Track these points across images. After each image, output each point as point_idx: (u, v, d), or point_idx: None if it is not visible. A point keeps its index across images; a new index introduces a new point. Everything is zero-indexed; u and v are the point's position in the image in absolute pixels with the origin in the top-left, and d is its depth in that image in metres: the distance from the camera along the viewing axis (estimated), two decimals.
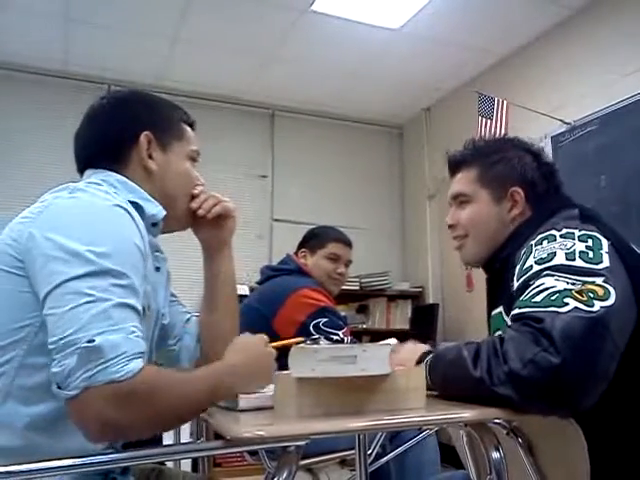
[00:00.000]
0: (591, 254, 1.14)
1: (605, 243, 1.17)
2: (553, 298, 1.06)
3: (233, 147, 5.14)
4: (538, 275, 1.14)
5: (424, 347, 1.28)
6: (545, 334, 1.00)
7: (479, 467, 1.34)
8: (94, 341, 0.90)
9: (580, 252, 1.14)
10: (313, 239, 2.72)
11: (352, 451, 1.91)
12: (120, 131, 1.27)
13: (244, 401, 1.09)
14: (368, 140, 5.73)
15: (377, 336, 4.41)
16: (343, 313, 2.89)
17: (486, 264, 1.50)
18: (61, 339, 0.91)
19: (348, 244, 2.72)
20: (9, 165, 4.42)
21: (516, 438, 1.12)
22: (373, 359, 0.99)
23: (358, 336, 4.49)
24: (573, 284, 1.08)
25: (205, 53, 4.49)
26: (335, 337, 2.30)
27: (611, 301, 1.05)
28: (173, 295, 1.45)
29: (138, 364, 0.92)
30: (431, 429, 2.10)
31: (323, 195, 5.39)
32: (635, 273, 1.15)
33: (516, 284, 1.21)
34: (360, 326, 5.04)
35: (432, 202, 5.31)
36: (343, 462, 2.28)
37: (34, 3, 3.80)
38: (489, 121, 3.79)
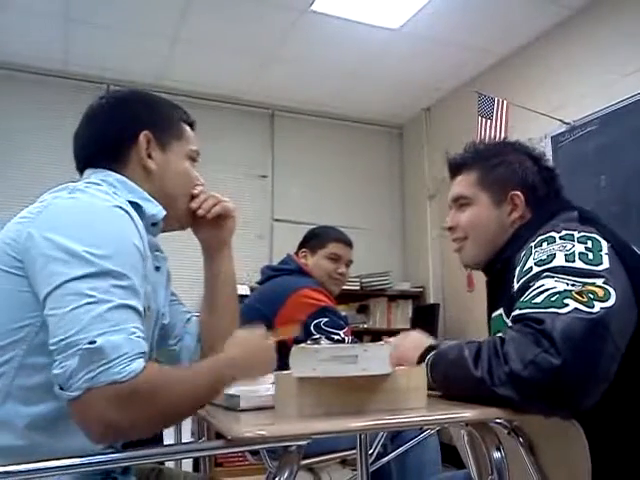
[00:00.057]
0: (591, 255, 1.14)
1: (604, 244, 1.17)
2: (553, 299, 1.06)
3: (233, 147, 5.14)
4: (538, 276, 1.14)
5: (428, 340, 1.27)
6: (546, 335, 1.00)
7: (480, 467, 1.34)
8: (95, 342, 0.90)
9: (580, 253, 1.15)
10: (314, 239, 2.72)
11: (353, 451, 1.91)
12: (119, 131, 1.27)
13: (245, 401, 1.09)
14: (368, 140, 5.73)
15: (378, 336, 4.41)
16: (344, 313, 2.89)
17: (486, 266, 1.50)
18: (62, 340, 0.91)
19: (349, 244, 2.72)
20: (9, 165, 4.42)
21: (517, 438, 1.12)
22: (374, 359, 0.99)
23: (359, 336, 4.49)
24: (573, 285, 1.08)
25: (205, 53, 4.49)
26: (336, 337, 2.30)
27: (611, 302, 1.05)
28: (173, 295, 1.45)
29: (140, 364, 0.92)
30: (432, 429, 2.10)
31: (323, 195, 5.39)
32: (635, 274, 1.15)
33: (516, 286, 1.21)
34: (361, 326, 5.04)
35: (432, 202, 5.31)
36: (344, 462, 2.29)
37: (34, 3, 3.80)
38: (489, 121, 3.79)
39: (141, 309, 1.00)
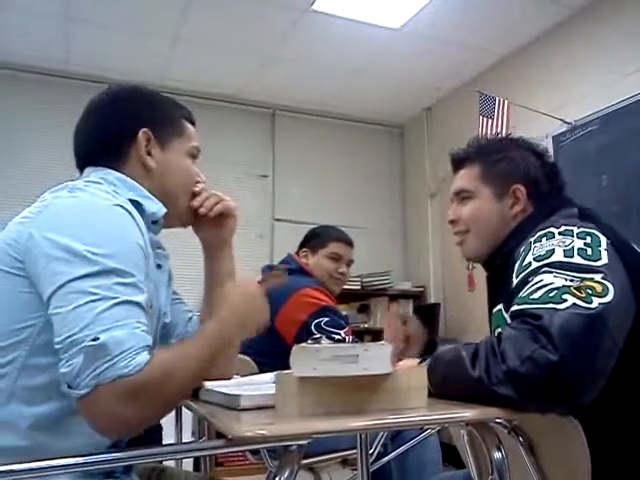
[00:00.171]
0: (589, 251, 1.14)
1: (604, 240, 1.17)
2: (551, 295, 1.06)
3: (234, 147, 5.14)
4: (536, 272, 1.14)
5: (418, 360, 1.27)
6: (543, 331, 1.00)
7: (480, 466, 1.34)
8: (99, 339, 0.90)
9: (578, 249, 1.15)
10: (314, 239, 2.72)
11: (354, 450, 1.91)
12: (119, 128, 1.26)
13: (245, 400, 1.09)
14: (369, 140, 5.73)
15: (379, 336, 4.41)
16: (344, 312, 2.90)
17: (486, 261, 1.51)
18: (67, 338, 0.92)
19: (349, 243, 2.73)
20: (10, 164, 4.42)
21: (517, 437, 1.12)
22: (375, 358, 0.99)
23: (360, 335, 4.49)
24: (571, 281, 1.08)
25: (206, 53, 4.49)
26: (337, 336, 2.30)
27: (609, 298, 1.05)
28: (175, 293, 1.45)
29: (144, 357, 0.93)
30: (433, 428, 2.10)
31: (324, 195, 5.39)
32: (634, 270, 1.16)
33: (515, 281, 1.21)
34: (361, 326, 5.04)
35: (433, 201, 5.31)
36: (345, 461, 2.29)
37: (34, 3, 3.80)
38: (490, 120, 3.79)
39: (145, 305, 1.01)
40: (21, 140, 4.47)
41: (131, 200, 1.16)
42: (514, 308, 1.11)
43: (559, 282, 1.08)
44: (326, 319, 2.35)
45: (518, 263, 1.24)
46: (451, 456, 1.88)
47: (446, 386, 1.14)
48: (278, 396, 1.05)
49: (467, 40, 4.30)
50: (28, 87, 4.59)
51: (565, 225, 1.23)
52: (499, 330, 1.10)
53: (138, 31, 4.18)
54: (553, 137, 3.92)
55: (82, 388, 0.90)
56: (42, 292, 0.98)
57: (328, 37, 4.25)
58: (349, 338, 2.35)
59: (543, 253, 1.17)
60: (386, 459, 2.15)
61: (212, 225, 1.42)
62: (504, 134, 3.51)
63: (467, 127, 3.71)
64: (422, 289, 5.32)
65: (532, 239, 1.25)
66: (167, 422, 1.47)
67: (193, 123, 1.38)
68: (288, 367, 1.00)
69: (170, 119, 1.32)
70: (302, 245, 2.74)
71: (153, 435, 1.67)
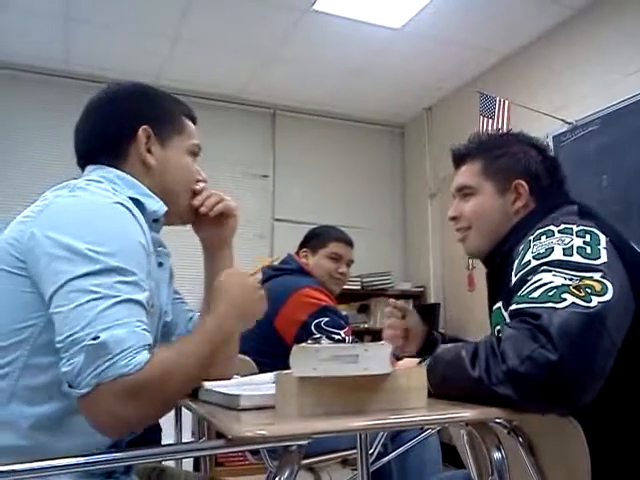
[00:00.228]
0: (589, 249, 1.14)
1: (603, 239, 1.17)
2: (551, 294, 1.06)
3: (234, 147, 5.14)
4: (536, 270, 1.14)
5: (417, 360, 1.27)
6: (542, 330, 1.00)
7: (480, 467, 1.34)
8: (99, 337, 0.90)
9: (578, 247, 1.15)
10: (314, 239, 2.72)
11: (354, 450, 1.91)
12: (118, 126, 1.26)
13: (245, 400, 1.09)
14: (369, 139, 5.73)
15: (379, 336, 4.41)
16: (344, 313, 2.90)
17: (487, 258, 1.51)
18: (68, 337, 0.92)
19: (349, 244, 2.73)
20: (11, 164, 4.42)
21: (517, 437, 1.12)
22: (375, 358, 0.99)
23: (360, 336, 4.49)
24: (571, 280, 1.08)
25: (206, 53, 4.49)
26: (337, 336, 2.30)
27: (608, 296, 1.05)
28: (177, 293, 1.45)
29: (145, 356, 0.93)
30: (433, 429, 2.10)
31: (324, 195, 5.39)
32: (633, 269, 1.15)
33: (514, 279, 1.21)
34: (361, 326, 5.05)
35: (433, 201, 5.31)
36: (345, 462, 2.28)
37: (34, 3, 3.80)
38: (491, 121, 3.80)
39: (146, 303, 1.01)
40: (21, 140, 4.48)
41: (132, 198, 1.16)
42: (513, 307, 1.11)
43: (558, 281, 1.08)
44: (326, 319, 2.35)
45: (517, 261, 1.24)
46: (451, 456, 1.88)
47: (446, 386, 1.13)
48: (278, 396, 1.05)
49: (468, 40, 4.30)
50: (28, 87, 4.59)
51: (564, 223, 1.23)
52: (498, 328, 1.10)
53: (138, 31, 4.19)
54: (554, 137, 3.92)
55: (83, 387, 0.90)
56: (44, 291, 0.98)
57: (329, 37, 4.25)
58: (349, 338, 2.35)
59: (542, 251, 1.17)
60: (386, 459, 2.15)
61: (213, 225, 1.42)
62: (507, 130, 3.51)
63: (468, 127, 3.69)
64: (422, 289, 5.33)
65: (531, 237, 1.25)
66: (167, 422, 1.46)
67: (194, 121, 1.37)
68: (288, 367, 0.99)
69: (170, 116, 1.32)
70: (302, 245, 2.75)
71: (152, 435, 1.67)
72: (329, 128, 5.56)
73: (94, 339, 0.90)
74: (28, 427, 1.00)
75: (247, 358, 2.05)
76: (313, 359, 0.97)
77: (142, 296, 1.00)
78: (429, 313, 5.01)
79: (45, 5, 3.83)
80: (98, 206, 1.07)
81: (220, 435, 0.94)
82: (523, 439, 1.12)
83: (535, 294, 1.08)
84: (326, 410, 0.98)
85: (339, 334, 2.32)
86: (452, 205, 1.58)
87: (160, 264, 1.29)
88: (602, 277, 1.08)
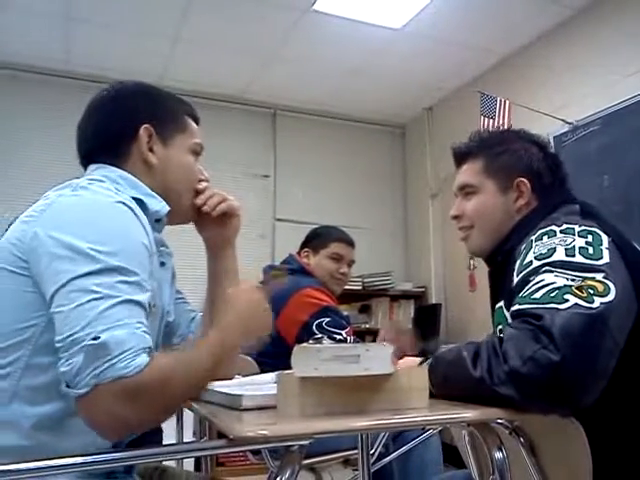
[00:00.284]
0: (591, 250, 1.14)
1: (605, 239, 1.17)
2: (553, 295, 1.06)
3: (235, 147, 5.14)
4: (537, 271, 1.14)
5: (418, 360, 1.27)
6: (545, 331, 1.00)
7: (481, 467, 1.34)
8: (99, 338, 0.90)
9: (580, 248, 1.14)
10: (316, 239, 2.72)
11: (355, 451, 1.91)
12: (120, 125, 1.26)
13: (247, 400, 1.09)
14: (370, 140, 5.73)
15: None
16: (346, 313, 2.90)
17: (489, 257, 1.50)
18: (68, 337, 0.91)
19: (351, 244, 2.73)
20: (11, 164, 4.43)
21: (518, 438, 1.12)
22: (376, 358, 0.99)
23: (361, 336, 4.49)
24: (573, 280, 1.08)
25: (206, 53, 4.49)
26: (338, 336, 2.30)
27: (611, 297, 1.05)
28: (179, 293, 1.45)
29: (144, 359, 0.92)
30: (434, 429, 2.10)
31: (325, 195, 5.39)
32: (635, 269, 1.15)
33: (516, 279, 1.20)
34: (363, 326, 5.04)
35: (435, 201, 5.31)
36: (346, 462, 2.28)
37: (34, 3, 3.80)
38: (491, 121, 3.80)
39: (147, 304, 1.01)
40: (22, 140, 4.48)
41: (134, 198, 1.16)
42: (515, 308, 1.11)
43: (560, 282, 1.08)
44: (327, 319, 2.35)
45: (519, 261, 1.23)
46: (452, 456, 1.88)
47: (447, 386, 1.13)
48: (279, 396, 1.05)
49: (468, 40, 4.30)
50: (29, 87, 4.59)
51: (566, 223, 1.22)
52: (500, 328, 1.09)
53: (138, 31, 4.19)
54: (554, 137, 3.92)
55: (81, 387, 0.90)
56: (45, 291, 0.98)
57: (329, 37, 4.25)
58: (350, 338, 2.35)
59: (544, 252, 1.17)
60: (387, 459, 2.15)
61: (216, 224, 1.41)
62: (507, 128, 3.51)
63: (468, 127, 3.68)
64: (423, 289, 5.32)
65: (533, 237, 1.24)
66: (168, 422, 1.46)
67: (197, 120, 1.37)
68: (289, 367, 0.99)
69: (172, 115, 1.32)
70: (303, 245, 2.75)
71: (153, 435, 1.66)
72: (330, 128, 5.56)
73: (94, 339, 0.90)
74: (30, 427, 1.00)
75: (249, 358, 2.05)
76: (315, 359, 0.97)
77: (143, 297, 0.99)
78: (430, 313, 5.01)
79: (45, 5, 3.83)
80: (100, 205, 1.07)
81: (221, 435, 0.94)
82: (524, 439, 1.12)
83: (537, 295, 1.08)
84: (327, 410, 0.98)
85: (340, 334, 2.32)
86: (454, 204, 1.58)
87: (162, 264, 1.28)
88: (604, 278, 1.08)
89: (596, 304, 1.02)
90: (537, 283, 1.11)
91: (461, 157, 1.58)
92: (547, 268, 1.13)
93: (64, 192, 1.10)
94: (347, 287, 2.91)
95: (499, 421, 1.07)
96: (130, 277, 0.98)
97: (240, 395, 1.08)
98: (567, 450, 1.09)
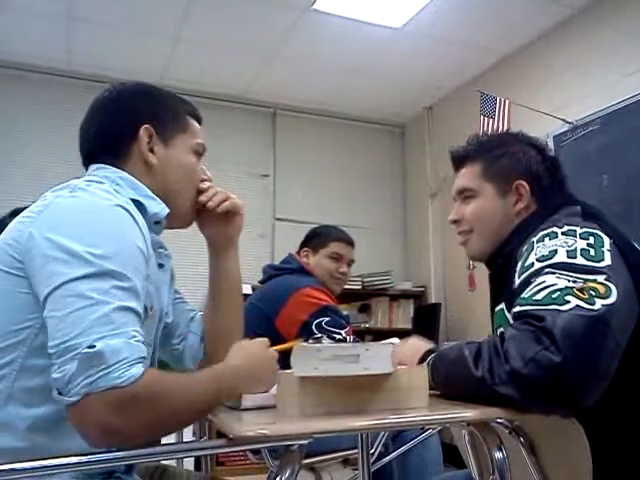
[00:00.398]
0: (592, 252, 1.14)
1: (607, 241, 1.17)
2: (554, 296, 1.06)
3: (235, 146, 5.13)
4: (539, 273, 1.14)
5: (426, 345, 1.27)
6: (546, 332, 1.00)
7: (481, 467, 1.34)
8: (95, 346, 0.89)
9: (581, 250, 1.14)
10: (315, 238, 2.72)
11: (355, 450, 1.91)
12: (120, 125, 1.25)
13: (247, 400, 1.09)
14: (370, 139, 5.73)
15: (379, 335, 4.42)
16: (345, 312, 2.89)
17: (489, 260, 1.50)
18: (61, 343, 0.90)
19: (350, 243, 2.72)
20: (13, 164, 4.43)
21: (518, 438, 1.12)
22: (376, 358, 0.99)
23: (360, 335, 4.49)
24: (574, 282, 1.08)
25: (207, 52, 4.49)
26: (338, 336, 2.30)
27: (612, 299, 1.05)
28: (178, 293, 1.44)
29: (139, 369, 0.91)
30: (434, 428, 2.10)
31: (325, 194, 5.39)
32: (637, 271, 1.15)
33: (517, 281, 1.20)
34: (362, 325, 5.05)
35: (434, 201, 5.31)
36: (346, 461, 2.29)
37: (36, 2, 3.81)
38: (491, 120, 3.80)
39: (141, 311, 0.99)
40: (24, 139, 4.48)
41: (134, 200, 1.15)
42: (517, 309, 1.11)
43: (562, 283, 1.08)
44: (327, 319, 2.34)
45: (520, 263, 1.23)
46: (452, 456, 1.89)
47: (448, 385, 1.14)
48: (279, 396, 1.05)
49: (468, 39, 4.30)
50: (30, 86, 4.59)
51: (568, 225, 1.22)
52: (501, 330, 1.10)
53: (139, 31, 4.19)
54: (554, 137, 3.92)
55: (72, 395, 0.89)
56: (38, 293, 0.97)
57: (329, 36, 4.25)
58: (350, 338, 2.35)
59: (546, 253, 1.17)
60: (387, 459, 2.15)
61: (219, 222, 1.41)
62: (505, 130, 3.51)
63: (468, 127, 3.70)
64: (423, 289, 5.32)
65: (534, 239, 1.24)
66: None
67: (199, 120, 1.36)
68: (289, 367, 1.00)
69: (173, 115, 1.31)
70: (303, 245, 2.74)
71: None
72: (330, 127, 5.56)
73: (89, 348, 0.89)
74: (25, 428, 0.99)
75: None
76: (314, 359, 0.97)
77: (137, 304, 0.98)
78: (430, 313, 5.01)
79: (47, 5, 3.83)
80: (97, 208, 1.06)
81: (221, 434, 0.94)
82: (524, 439, 1.12)
83: (539, 296, 1.08)
84: (327, 410, 0.98)
85: (340, 334, 2.32)
86: (453, 208, 1.58)
87: (161, 265, 1.28)
88: (606, 280, 1.08)
89: (597, 306, 1.02)
90: (539, 284, 1.11)
91: (459, 161, 1.57)
92: (549, 270, 1.13)
93: (62, 193, 1.09)
94: (347, 287, 2.91)
95: (499, 421, 1.07)
96: (124, 282, 0.97)
97: (240, 395, 1.09)
98: (567, 450, 1.09)
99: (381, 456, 2.09)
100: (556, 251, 1.16)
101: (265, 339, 1.21)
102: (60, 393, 0.91)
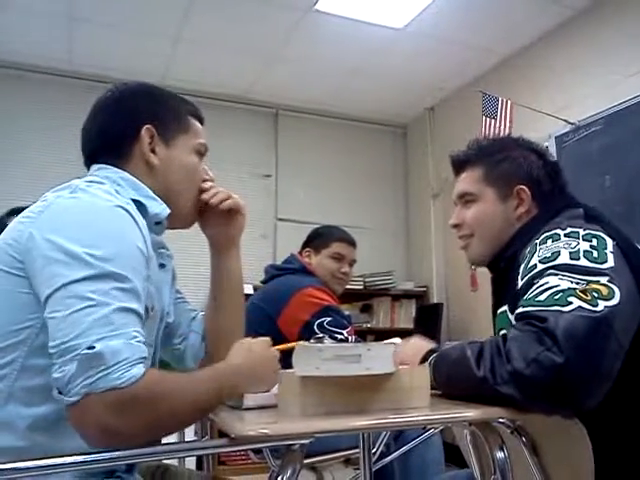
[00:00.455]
0: (595, 253, 1.14)
1: (610, 242, 1.17)
2: (557, 297, 1.06)
3: (237, 146, 5.13)
4: (542, 274, 1.14)
5: (428, 345, 1.28)
6: (548, 333, 1.00)
7: (483, 466, 1.33)
8: (94, 347, 0.89)
9: (584, 251, 1.14)
10: (317, 238, 2.72)
11: (356, 450, 1.91)
12: (122, 126, 1.25)
13: (249, 399, 1.09)
14: (372, 139, 5.73)
15: (381, 335, 4.42)
16: (347, 312, 2.90)
17: (491, 263, 1.50)
18: (62, 344, 0.90)
19: (352, 243, 2.73)
20: (13, 164, 4.43)
21: (520, 437, 1.12)
22: (377, 358, 0.99)
23: (362, 335, 4.49)
24: (577, 283, 1.08)
25: (208, 53, 4.49)
26: (339, 336, 2.30)
27: (615, 301, 1.05)
28: (179, 292, 1.45)
29: (140, 370, 0.91)
30: (435, 428, 2.10)
31: (327, 194, 5.39)
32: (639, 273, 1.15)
33: (520, 283, 1.21)
34: (364, 325, 5.05)
35: (436, 201, 5.31)
36: (347, 461, 2.29)
37: (36, 2, 3.81)
38: (493, 121, 3.79)
39: (142, 312, 1.00)
40: (24, 139, 4.48)
41: (134, 200, 1.15)
42: (519, 310, 1.11)
43: (565, 285, 1.08)
44: (329, 319, 2.35)
45: (523, 265, 1.23)
46: (454, 456, 1.88)
47: (451, 385, 1.14)
48: (281, 395, 1.05)
49: (470, 40, 4.30)
50: (31, 86, 4.59)
51: (571, 227, 1.22)
52: (503, 332, 1.10)
53: (140, 31, 4.19)
54: (556, 137, 3.92)
55: (72, 395, 0.89)
56: (39, 293, 0.97)
57: (331, 37, 4.25)
58: (352, 338, 2.35)
59: (549, 255, 1.17)
60: (389, 459, 2.15)
61: (221, 222, 1.41)
62: (506, 134, 3.51)
63: (470, 127, 3.71)
64: (425, 289, 5.32)
65: (537, 240, 1.24)
66: None
67: (201, 120, 1.36)
68: (290, 366, 1.00)
69: (175, 115, 1.30)
70: (305, 245, 2.75)
71: None
72: (332, 128, 5.56)
73: (89, 348, 0.89)
74: (25, 428, 1.00)
75: None
76: (316, 358, 0.97)
77: (137, 305, 0.98)
78: (432, 313, 5.01)
79: (47, 5, 3.83)
80: (98, 208, 1.06)
81: (223, 434, 0.95)
82: (526, 439, 1.12)
83: (541, 297, 1.08)
84: (328, 409, 0.98)
85: (342, 334, 2.32)
86: (454, 212, 1.58)
87: (162, 265, 1.28)
88: (609, 281, 1.08)
89: (600, 307, 1.02)
90: (541, 286, 1.11)
91: (460, 165, 1.57)
92: (551, 271, 1.13)
93: (62, 194, 1.09)
94: (348, 287, 2.90)
95: (501, 420, 1.07)
96: (125, 284, 0.97)
97: (241, 394, 1.09)
98: (569, 451, 1.09)
99: (383, 456, 2.09)
100: (559, 253, 1.16)
101: (267, 338, 1.21)
102: (60, 392, 0.91)
